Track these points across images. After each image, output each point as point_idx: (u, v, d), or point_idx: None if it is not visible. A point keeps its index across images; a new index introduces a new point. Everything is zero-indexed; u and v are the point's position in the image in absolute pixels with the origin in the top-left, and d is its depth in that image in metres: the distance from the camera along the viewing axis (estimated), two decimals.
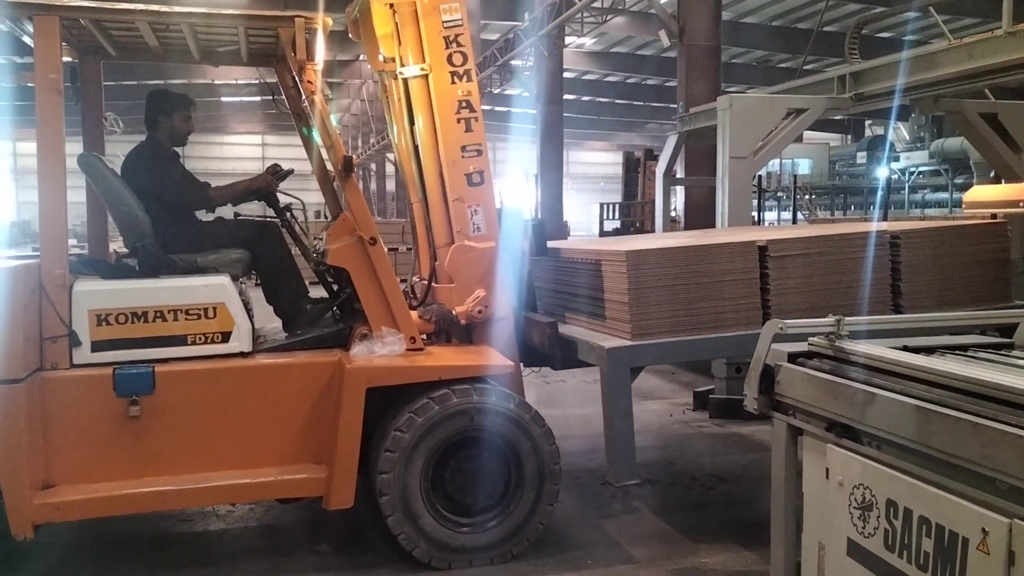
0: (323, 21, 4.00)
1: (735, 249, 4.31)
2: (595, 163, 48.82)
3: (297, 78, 4.07)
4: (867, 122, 36.02)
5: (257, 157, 43.38)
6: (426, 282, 4.51)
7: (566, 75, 25.05)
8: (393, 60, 4.49)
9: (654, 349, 4.21)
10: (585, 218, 33.66)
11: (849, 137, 38.38)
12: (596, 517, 4.68)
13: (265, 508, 4.82)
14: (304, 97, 4.07)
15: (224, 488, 3.91)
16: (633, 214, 20.72)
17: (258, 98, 36.14)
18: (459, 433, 4.00)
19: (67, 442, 3.77)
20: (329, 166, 4.41)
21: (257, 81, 31.33)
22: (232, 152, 43.70)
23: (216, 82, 31.33)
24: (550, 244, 4.86)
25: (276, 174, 4.52)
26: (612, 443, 4.11)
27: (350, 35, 4.85)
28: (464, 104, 4.37)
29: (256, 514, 4.78)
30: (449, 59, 4.37)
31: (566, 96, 25.04)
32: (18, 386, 3.59)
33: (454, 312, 4.34)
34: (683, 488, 5.28)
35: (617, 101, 36.17)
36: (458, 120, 4.37)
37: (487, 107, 29.46)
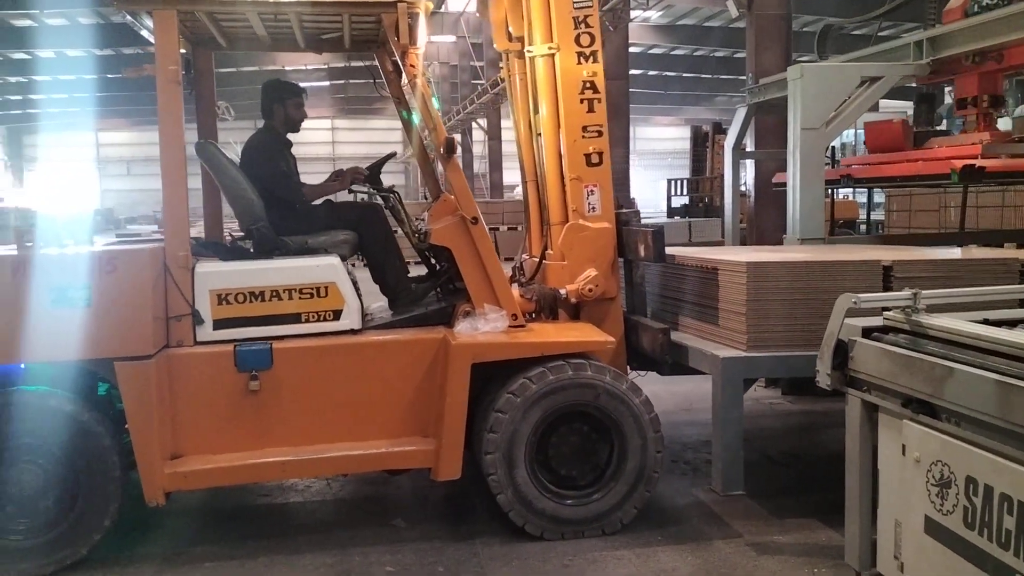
0: (425, 5, 4.10)
1: (859, 268, 4.30)
2: (662, 138, 48.18)
3: (400, 62, 4.18)
4: (946, 88, 34.75)
5: (328, 141, 44.03)
6: (536, 260, 4.59)
7: (632, 50, 24.73)
8: (520, 39, 4.59)
9: (769, 361, 4.25)
10: (653, 195, 33.31)
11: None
12: (666, 494, 4.61)
13: (341, 484, 4.95)
14: (407, 81, 4.17)
15: (339, 459, 4.08)
16: (701, 189, 20.55)
17: (327, 83, 36.64)
18: (576, 405, 4.04)
19: (192, 415, 3.98)
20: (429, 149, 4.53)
21: (326, 66, 31.80)
22: (303, 137, 44.35)
23: (286, 68, 31.85)
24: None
25: (376, 162, 4.67)
26: (721, 453, 4.15)
27: (478, 13, 4.97)
28: (588, 85, 4.47)
29: (333, 489, 4.92)
30: (577, 39, 4.47)
31: (632, 71, 24.75)
32: (148, 362, 3.81)
33: (562, 291, 4.42)
34: (755, 465, 5.19)
35: (684, 75, 35.60)
36: (581, 100, 4.47)
37: None
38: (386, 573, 3.81)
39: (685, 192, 21.30)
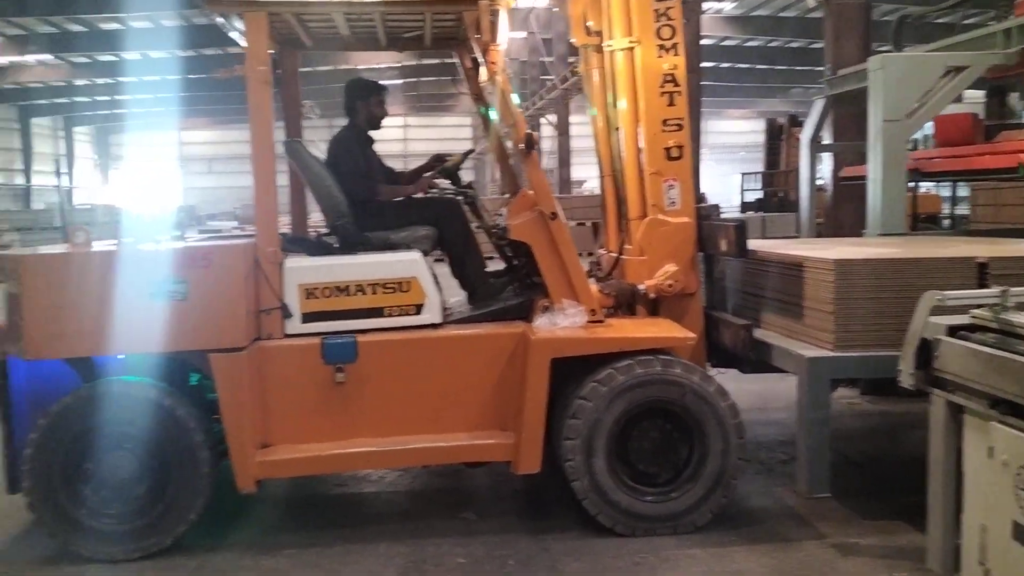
0: (506, 2, 4.14)
1: (952, 264, 4.18)
2: (735, 132, 47.38)
3: (481, 59, 4.23)
4: None
5: (400, 139, 44.57)
6: (614, 255, 4.60)
7: (704, 42, 24.38)
8: (599, 33, 4.61)
9: (857, 361, 4.16)
10: (724, 189, 32.85)
11: (1017, 95, 35.63)
12: (741, 494, 4.48)
13: (414, 476, 5.02)
14: (488, 77, 4.22)
15: (421, 451, 4.16)
16: (776, 183, 20.16)
17: (399, 81, 37.08)
18: (660, 402, 4.03)
19: (281, 405, 4.10)
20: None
21: (399, 65, 32.18)
22: (375, 134, 45.16)
23: (359, 67, 32.36)
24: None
25: (456, 158, 4.74)
26: (807, 454, 4.07)
27: (555, 8, 5.01)
28: (669, 78, 4.45)
29: (405, 481, 4.99)
30: (658, 32, 4.46)
31: (704, 64, 24.42)
32: (241, 354, 3.95)
33: (641, 286, 4.41)
34: (834, 466, 5.03)
35: (758, 66, 34.93)
36: (662, 94, 4.45)
37: None
38: (458, 564, 3.86)
39: (759, 186, 20.93)
